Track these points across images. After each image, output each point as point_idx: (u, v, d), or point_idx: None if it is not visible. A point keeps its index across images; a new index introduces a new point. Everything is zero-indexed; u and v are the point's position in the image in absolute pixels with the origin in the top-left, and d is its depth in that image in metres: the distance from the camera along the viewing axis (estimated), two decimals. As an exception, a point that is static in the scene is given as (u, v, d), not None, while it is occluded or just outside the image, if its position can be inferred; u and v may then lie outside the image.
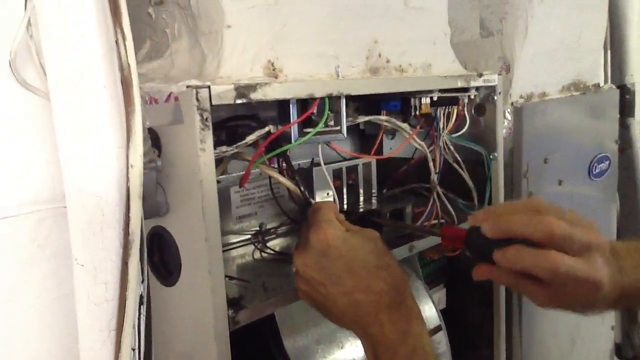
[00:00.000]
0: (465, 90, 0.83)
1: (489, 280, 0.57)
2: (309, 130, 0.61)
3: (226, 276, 0.62)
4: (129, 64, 0.38)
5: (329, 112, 0.61)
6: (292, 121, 0.59)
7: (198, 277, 0.51)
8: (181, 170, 0.51)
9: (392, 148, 0.94)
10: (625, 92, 1.21)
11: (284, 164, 0.65)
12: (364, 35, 0.68)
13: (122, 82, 0.38)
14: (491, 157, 0.87)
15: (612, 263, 0.54)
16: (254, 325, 0.64)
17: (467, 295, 0.92)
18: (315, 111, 0.60)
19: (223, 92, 0.49)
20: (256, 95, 0.52)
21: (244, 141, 0.59)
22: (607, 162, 1.15)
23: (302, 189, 0.63)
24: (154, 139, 0.52)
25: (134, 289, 0.39)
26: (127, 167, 0.38)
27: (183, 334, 0.55)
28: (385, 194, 0.87)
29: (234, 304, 0.54)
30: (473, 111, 0.88)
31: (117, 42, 0.39)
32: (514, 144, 0.90)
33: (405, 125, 0.77)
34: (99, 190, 0.38)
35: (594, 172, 1.11)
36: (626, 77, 1.20)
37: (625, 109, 1.21)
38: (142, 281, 0.40)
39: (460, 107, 0.84)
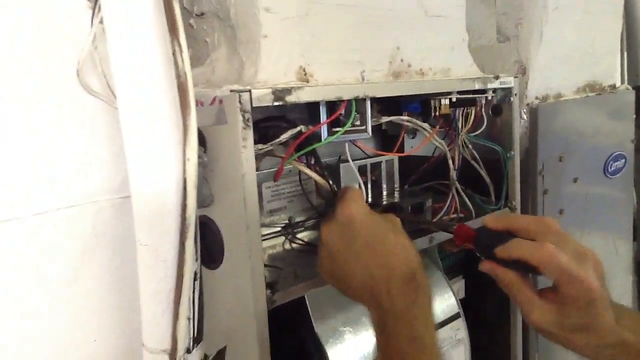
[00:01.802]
0: (482, 92, 0.88)
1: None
2: (337, 129, 0.67)
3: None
4: (185, 72, 0.44)
5: (356, 113, 0.67)
6: (322, 121, 0.65)
7: (239, 261, 0.57)
8: (225, 166, 0.57)
9: (413, 147, 1.00)
10: (641, 93, 1.25)
11: (313, 161, 0.71)
12: (386, 42, 0.74)
13: (179, 88, 0.44)
14: (508, 155, 0.92)
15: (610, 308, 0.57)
16: (285, 313, 0.71)
17: (486, 286, 0.97)
18: (343, 112, 0.66)
19: (262, 96, 0.55)
20: (291, 98, 0.58)
21: (277, 140, 0.65)
22: (623, 160, 1.18)
23: (330, 182, 0.68)
24: (200, 137, 0.58)
25: (190, 267, 0.45)
26: (184, 161, 0.44)
27: (225, 313, 0.61)
28: (407, 189, 0.92)
29: (270, 286, 0.60)
30: (490, 112, 0.93)
31: (174, 53, 0.45)
32: (530, 143, 0.95)
33: (425, 125, 0.82)
34: (161, 181, 0.45)
35: (610, 170, 1.15)
36: (642, 78, 1.24)
37: (641, 110, 1.25)
38: (196, 260, 0.46)
39: (478, 108, 0.90)
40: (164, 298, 0.45)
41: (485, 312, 0.99)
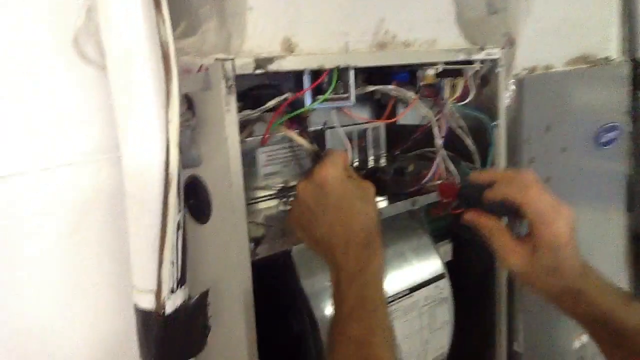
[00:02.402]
0: (470, 63, 0.91)
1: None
2: (319, 97, 0.71)
3: (252, 221, 0.73)
4: (167, 42, 0.49)
5: (339, 82, 0.71)
6: (304, 88, 0.70)
7: (225, 217, 0.63)
8: (211, 129, 0.62)
9: (405, 116, 1.04)
10: (637, 66, 1.26)
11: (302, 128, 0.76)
12: (371, 14, 0.78)
13: (162, 57, 0.49)
14: (493, 124, 0.95)
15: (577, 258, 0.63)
16: (273, 268, 0.77)
17: (472, 250, 1.01)
18: (325, 80, 0.71)
19: (244, 64, 0.60)
20: (272, 67, 0.63)
21: (264, 106, 0.70)
22: (616, 131, 1.21)
23: (313, 143, 0.73)
24: (189, 103, 0.63)
25: (173, 217, 0.50)
26: (167, 123, 0.49)
27: (212, 264, 0.67)
28: (393, 156, 0.96)
29: (254, 240, 0.65)
30: (478, 82, 0.97)
31: (158, 25, 0.50)
32: (516, 113, 0.98)
33: (411, 94, 0.86)
34: (146, 141, 0.50)
35: (602, 141, 1.18)
36: (638, 51, 1.25)
37: (637, 82, 1.26)
38: (179, 211, 0.52)
39: (466, 79, 0.93)
40: (150, 244, 0.50)
41: (471, 274, 1.03)
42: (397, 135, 1.01)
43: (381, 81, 0.88)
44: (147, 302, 0.51)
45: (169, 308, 0.51)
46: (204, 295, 0.56)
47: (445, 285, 0.94)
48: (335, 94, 0.73)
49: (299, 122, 0.77)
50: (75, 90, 0.61)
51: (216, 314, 0.66)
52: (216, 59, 0.59)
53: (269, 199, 0.91)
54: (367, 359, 0.57)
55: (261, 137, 0.88)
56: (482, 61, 0.93)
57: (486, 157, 0.96)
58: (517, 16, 0.98)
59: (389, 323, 0.62)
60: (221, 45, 0.67)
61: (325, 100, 0.71)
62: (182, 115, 0.60)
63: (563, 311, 0.66)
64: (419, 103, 0.88)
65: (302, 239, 0.67)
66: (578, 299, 0.64)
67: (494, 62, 0.93)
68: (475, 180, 0.69)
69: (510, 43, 0.99)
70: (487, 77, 0.95)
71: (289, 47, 0.69)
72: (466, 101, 0.94)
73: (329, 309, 0.79)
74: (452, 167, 0.92)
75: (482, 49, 0.90)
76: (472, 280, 1.03)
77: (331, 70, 0.69)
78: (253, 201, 0.89)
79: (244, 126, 0.76)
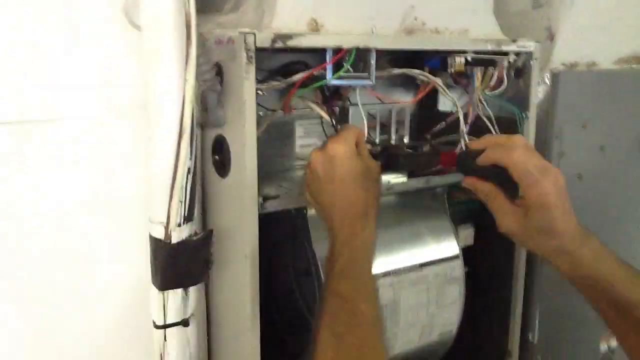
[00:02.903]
0: (505, 54, 0.94)
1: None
2: (343, 74, 0.78)
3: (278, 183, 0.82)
4: (190, 14, 0.58)
5: (359, 62, 0.78)
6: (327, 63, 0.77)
7: (239, 172, 0.71)
8: (233, 93, 0.71)
9: (445, 102, 1.08)
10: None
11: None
12: (401, 0, 0.83)
13: (186, 25, 0.58)
14: (524, 115, 0.98)
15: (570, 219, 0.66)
16: (289, 228, 0.85)
17: (494, 236, 1.04)
18: (347, 59, 0.77)
19: (265, 38, 0.68)
20: (292, 42, 0.70)
21: (290, 79, 0.78)
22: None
23: (332, 118, 0.81)
24: (219, 70, 0.72)
25: (183, 162, 0.60)
26: (184, 82, 0.59)
27: (229, 213, 0.76)
28: (422, 138, 1.01)
29: (266, 197, 0.74)
30: (513, 74, 1.00)
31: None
32: (549, 107, 1.00)
33: (436, 79, 0.91)
34: (166, 95, 0.59)
35: (647, 144, 1.16)
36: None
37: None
38: (190, 158, 0.61)
39: (501, 69, 0.96)
40: (164, 183, 0.60)
41: (491, 259, 1.07)
42: (434, 120, 1.06)
43: (412, 66, 0.93)
44: (158, 232, 0.61)
45: (175, 239, 0.61)
46: (209, 233, 0.65)
47: (458, 266, 0.98)
48: (355, 72, 0.79)
49: (338, 98, 0.86)
50: (125, 52, 0.71)
51: (227, 255, 0.76)
52: (239, 32, 0.67)
53: (300, 168, 1.00)
54: (351, 311, 0.65)
55: (300, 110, 0.97)
56: (517, 53, 0.96)
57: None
58: (560, 11, 1.00)
59: (374, 285, 0.69)
60: (255, 23, 0.75)
61: (341, 77, 0.77)
62: (210, 80, 0.70)
63: (562, 274, 0.69)
64: (446, 89, 0.93)
65: (311, 202, 0.75)
66: (574, 262, 0.67)
67: (528, 55, 0.96)
68: (471, 147, 0.74)
69: (550, 37, 1.01)
70: (521, 70, 0.98)
71: (315, 27, 0.76)
72: (498, 91, 0.98)
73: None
74: (474, 152, 0.95)
75: (514, 41, 0.92)
76: (491, 266, 1.07)
77: (349, 50, 0.76)
78: (288, 168, 0.98)
79: (280, 98, 0.86)
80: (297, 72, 0.81)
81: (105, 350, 0.74)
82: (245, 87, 0.68)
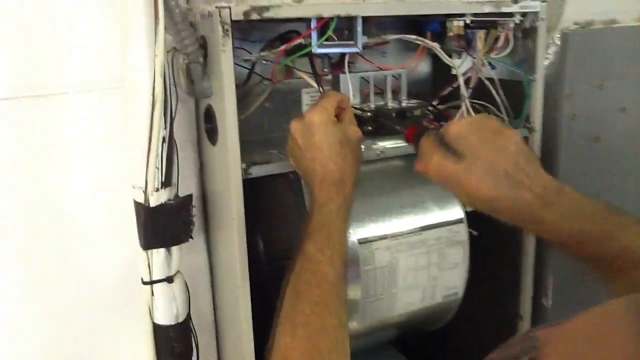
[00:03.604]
0: (510, 15, 0.92)
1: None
2: (327, 43, 0.80)
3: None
4: (157, -9, 0.62)
5: (340, 29, 0.80)
6: (312, 34, 0.79)
7: (224, 139, 0.76)
8: (215, 64, 0.75)
9: (457, 67, 1.07)
10: None
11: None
12: (390, -34, 0.83)
13: (154, 4, 0.63)
14: (531, 78, 0.96)
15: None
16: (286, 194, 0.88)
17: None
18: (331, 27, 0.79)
19: (239, 11, 0.71)
20: (268, 14, 0.73)
21: (277, 49, 0.81)
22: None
23: (320, 84, 0.83)
24: (203, 42, 0.76)
25: (157, 131, 0.65)
26: (154, 57, 0.63)
27: (218, 179, 0.81)
28: (409, 102, 1.00)
29: (251, 163, 0.78)
30: (520, 35, 0.97)
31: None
32: (559, 67, 0.97)
33: (434, 44, 0.91)
34: (139, 69, 0.64)
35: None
36: None
37: None
38: (165, 127, 0.66)
39: (507, 31, 0.95)
40: (141, 152, 0.65)
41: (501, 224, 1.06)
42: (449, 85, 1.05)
43: (416, 31, 0.93)
44: (139, 197, 0.67)
45: (153, 202, 0.66)
46: (187, 198, 0.71)
47: (461, 229, 0.99)
48: (341, 40, 0.81)
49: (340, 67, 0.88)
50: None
51: (220, 217, 0.81)
52: (216, 6, 0.71)
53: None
54: (312, 271, 0.69)
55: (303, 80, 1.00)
56: (524, 14, 0.94)
57: (522, 111, 0.98)
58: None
59: (342, 248, 0.72)
60: (244, -2, 0.78)
61: (325, 45, 0.79)
62: (194, 53, 0.74)
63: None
64: (443, 54, 0.92)
65: (294, 168, 0.79)
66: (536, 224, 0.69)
67: (535, 16, 0.93)
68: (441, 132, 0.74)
69: (562, -5, 0.97)
70: (528, 31, 0.96)
71: (301, 0, 0.78)
72: (505, 53, 0.96)
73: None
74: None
75: (515, 1, 0.90)
76: (500, 229, 1.06)
77: (330, 19, 0.77)
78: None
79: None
80: (285, 41, 0.84)
81: (98, 306, 0.81)
82: (222, 59, 0.72)
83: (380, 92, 0.96)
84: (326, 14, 0.77)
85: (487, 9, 0.89)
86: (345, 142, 0.75)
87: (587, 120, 1.01)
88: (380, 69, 0.95)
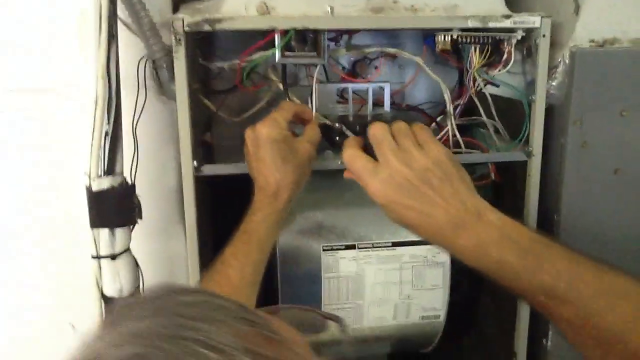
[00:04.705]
0: (507, 30, 0.87)
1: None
2: (289, 53, 0.83)
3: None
4: (102, 6, 0.71)
5: (303, 41, 0.82)
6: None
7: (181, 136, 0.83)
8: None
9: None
10: None
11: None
12: (363, -19, 0.83)
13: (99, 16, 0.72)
14: (530, 98, 0.90)
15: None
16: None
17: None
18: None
19: (192, 23, 0.78)
20: (220, 26, 0.78)
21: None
22: None
23: (288, 94, 0.87)
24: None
25: (99, 126, 0.74)
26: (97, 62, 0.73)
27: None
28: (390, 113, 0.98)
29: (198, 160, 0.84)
30: (525, 52, 0.91)
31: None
32: (567, 89, 0.89)
33: (417, 58, 0.89)
34: (89, 74, 0.74)
35: None
36: None
37: None
38: (108, 123, 0.75)
39: (508, 47, 0.89)
40: (88, 144, 0.76)
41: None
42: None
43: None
44: (85, 182, 0.77)
45: (95, 187, 0.76)
46: (130, 187, 0.79)
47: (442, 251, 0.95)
48: (304, 52, 0.84)
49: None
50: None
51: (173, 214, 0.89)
52: (171, 17, 0.78)
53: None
54: (219, 272, 0.74)
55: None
56: (531, 30, 0.87)
57: (519, 133, 0.92)
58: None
59: (259, 257, 0.75)
60: (207, 9, 0.84)
61: (287, 56, 0.83)
62: (160, 59, 0.83)
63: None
64: (426, 69, 0.90)
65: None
66: (453, 251, 0.67)
67: (536, 32, 0.87)
68: None
69: (576, 10, 0.89)
70: (529, 48, 0.89)
71: (265, 11, 0.82)
72: (503, 70, 0.91)
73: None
74: (457, 134, 0.91)
75: (507, 16, 0.85)
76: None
77: (286, 32, 0.81)
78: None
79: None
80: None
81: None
82: (176, 65, 0.79)
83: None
84: (281, 26, 0.81)
85: (472, 23, 0.84)
86: (290, 158, 0.78)
87: (603, 150, 0.91)
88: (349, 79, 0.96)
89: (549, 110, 0.91)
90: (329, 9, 0.83)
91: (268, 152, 0.77)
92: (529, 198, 0.92)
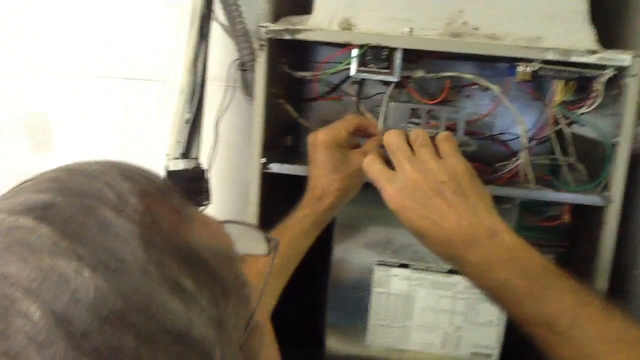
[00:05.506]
0: (595, 67, 0.84)
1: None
2: (362, 68, 0.87)
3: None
4: (196, 8, 0.81)
5: (379, 59, 0.86)
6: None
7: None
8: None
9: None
10: None
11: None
12: (445, 4, 0.85)
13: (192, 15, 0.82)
14: (612, 141, 0.84)
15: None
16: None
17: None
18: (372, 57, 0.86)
19: (273, 30, 0.85)
20: (300, 36, 0.85)
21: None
22: None
23: (359, 107, 0.90)
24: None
25: (180, 115, 0.84)
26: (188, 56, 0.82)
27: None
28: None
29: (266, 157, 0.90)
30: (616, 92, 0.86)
31: (203, -3, 0.82)
32: (660, 135, 0.83)
33: (494, 87, 0.88)
34: (179, 67, 0.84)
35: None
36: None
37: None
38: (190, 111, 0.84)
39: (596, 85, 0.86)
40: (170, 129, 0.85)
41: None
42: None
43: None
44: (165, 161, 0.87)
45: (171, 167, 0.85)
46: (200, 172, 0.87)
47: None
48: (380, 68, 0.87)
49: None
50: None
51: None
52: (258, 25, 0.86)
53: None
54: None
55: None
56: (619, 68, 0.83)
57: (598, 176, 0.86)
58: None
59: (286, 253, 0.78)
60: (297, 22, 0.91)
61: (362, 70, 0.86)
62: (249, 62, 0.91)
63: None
64: (505, 99, 0.88)
65: None
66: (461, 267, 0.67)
67: (627, 71, 0.82)
68: None
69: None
70: (618, 86, 0.84)
71: (347, 27, 0.87)
72: (588, 110, 0.87)
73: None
74: (530, 172, 0.88)
75: (593, 52, 0.81)
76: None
77: (362, 46, 0.85)
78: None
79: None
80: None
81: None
82: (257, 68, 0.87)
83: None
84: (356, 41, 0.85)
85: (551, 56, 0.82)
86: (341, 166, 0.82)
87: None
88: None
89: (636, 157, 0.85)
90: (408, 29, 0.86)
91: (321, 157, 0.81)
92: (603, 248, 0.86)
